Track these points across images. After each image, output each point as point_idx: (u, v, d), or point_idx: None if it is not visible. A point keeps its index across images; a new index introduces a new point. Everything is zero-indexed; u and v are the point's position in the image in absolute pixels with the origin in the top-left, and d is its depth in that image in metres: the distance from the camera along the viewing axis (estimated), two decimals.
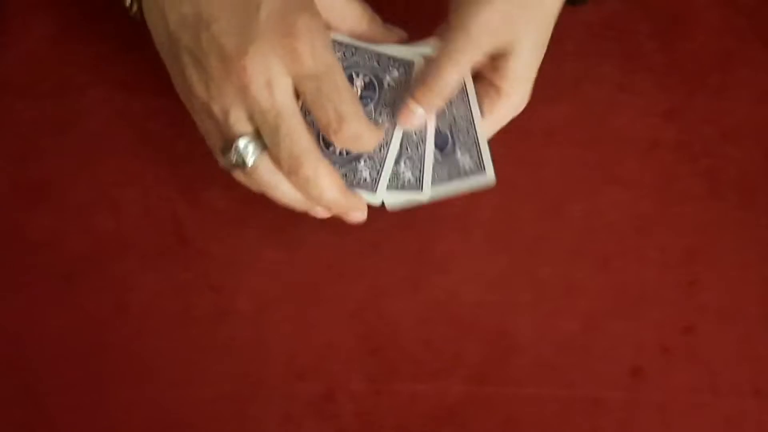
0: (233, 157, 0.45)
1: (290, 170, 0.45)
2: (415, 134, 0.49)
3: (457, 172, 0.49)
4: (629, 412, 0.51)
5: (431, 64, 0.47)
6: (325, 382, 0.51)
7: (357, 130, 0.45)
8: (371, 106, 0.49)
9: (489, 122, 0.50)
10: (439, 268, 0.53)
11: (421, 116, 0.48)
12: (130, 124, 0.56)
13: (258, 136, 0.45)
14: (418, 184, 0.49)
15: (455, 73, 0.47)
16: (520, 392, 0.51)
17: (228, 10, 0.44)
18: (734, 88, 0.57)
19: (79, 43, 0.57)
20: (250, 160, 0.45)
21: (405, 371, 0.51)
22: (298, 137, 0.44)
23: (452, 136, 0.49)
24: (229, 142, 0.45)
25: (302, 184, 0.46)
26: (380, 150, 0.49)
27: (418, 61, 0.48)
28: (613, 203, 0.54)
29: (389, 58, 0.49)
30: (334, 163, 0.47)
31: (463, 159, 0.49)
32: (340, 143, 0.46)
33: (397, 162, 0.49)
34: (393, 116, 0.48)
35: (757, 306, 0.53)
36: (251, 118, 0.45)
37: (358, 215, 0.49)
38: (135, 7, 0.48)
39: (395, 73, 0.49)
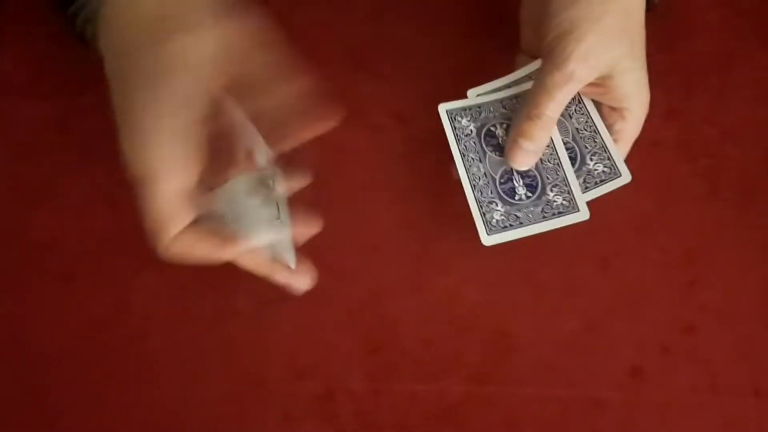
0: None
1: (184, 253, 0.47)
2: (549, 162, 0.50)
3: (594, 182, 0.50)
4: (629, 412, 0.51)
5: (531, 102, 0.48)
6: (325, 381, 0.51)
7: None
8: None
9: (621, 143, 0.50)
10: (439, 268, 0.53)
11: (531, 152, 0.49)
12: None
13: None
14: (573, 206, 0.50)
15: (554, 107, 0.48)
16: (520, 392, 0.51)
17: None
18: (734, 88, 0.57)
19: (78, 43, 0.57)
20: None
21: (405, 371, 0.51)
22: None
23: (540, 175, 0.50)
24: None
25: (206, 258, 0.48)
26: (556, 173, 0.50)
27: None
28: (613, 203, 0.54)
29: (510, 98, 0.51)
30: (527, 207, 0.49)
31: (557, 198, 0.50)
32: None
33: (543, 191, 0.50)
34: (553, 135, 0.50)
35: (757, 306, 0.53)
36: None
37: (299, 286, 0.50)
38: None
39: (464, 122, 0.51)
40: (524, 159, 0.49)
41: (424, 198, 0.54)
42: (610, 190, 0.50)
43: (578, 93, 0.50)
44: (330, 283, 0.53)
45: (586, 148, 0.50)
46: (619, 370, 0.51)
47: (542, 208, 0.49)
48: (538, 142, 0.49)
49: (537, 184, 0.50)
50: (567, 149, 0.50)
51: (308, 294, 0.53)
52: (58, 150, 0.55)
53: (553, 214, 0.49)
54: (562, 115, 0.50)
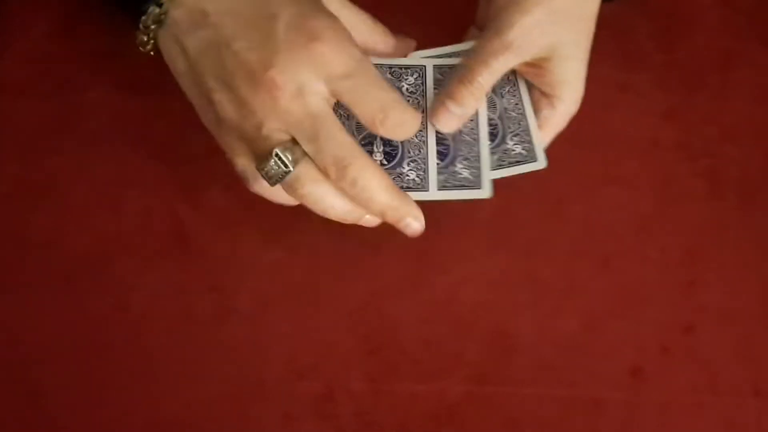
0: (272, 167, 0.44)
1: (337, 174, 0.44)
2: (468, 135, 0.49)
3: (507, 162, 0.49)
4: (629, 412, 0.51)
5: (465, 66, 0.47)
6: (325, 382, 0.51)
7: (402, 116, 0.45)
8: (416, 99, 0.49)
9: (545, 130, 0.50)
10: (439, 268, 0.53)
11: (456, 116, 0.48)
12: (130, 124, 0.56)
13: (296, 144, 0.44)
14: (477, 182, 0.49)
15: (488, 75, 0.47)
16: (520, 392, 0.51)
17: (246, 26, 0.43)
18: (734, 88, 0.57)
19: (79, 42, 0.57)
20: (291, 166, 0.44)
21: (405, 371, 0.51)
22: (340, 138, 0.44)
23: (454, 145, 0.49)
24: (265, 153, 0.44)
25: (350, 188, 0.44)
26: (419, 150, 0.48)
27: (429, 65, 0.49)
28: (613, 203, 0.54)
29: (401, 67, 0.49)
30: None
31: (463, 171, 0.49)
32: (386, 133, 0.45)
33: (453, 161, 0.49)
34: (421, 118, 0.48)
35: (757, 306, 0.53)
36: (287, 130, 0.44)
37: (415, 225, 0.47)
38: (149, 45, 0.48)
39: (411, 80, 0.49)
40: (449, 122, 0.48)
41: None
42: (522, 172, 0.49)
43: (514, 74, 0.50)
44: (330, 283, 0.53)
45: (510, 128, 0.50)
46: (619, 370, 0.51)
47: (445, 178, 0.48)
48: (465, 107, 0.47)
49: (448, 153, 0.49)
50: (491, 125, 0.49)
51: (308, 294, 0.53)
52: (58, 150, 0.55)
53: (454, 186, 0.48)
54: (494, 92, 0.50)
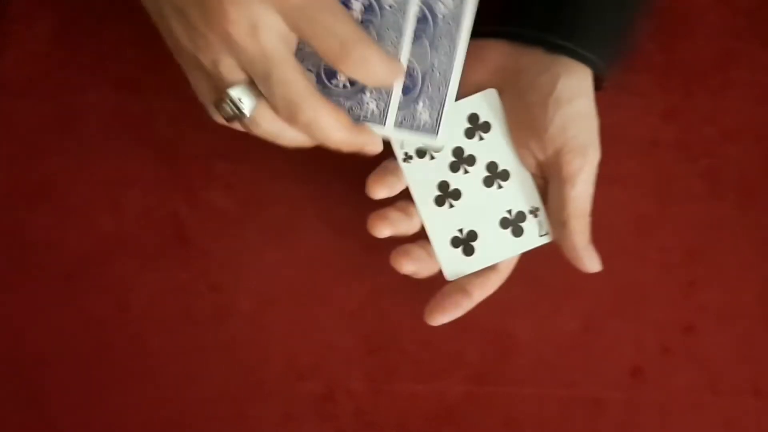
0: (228, 109, 0.43)
1: (289, 117, 0.43)
2: (440, 73, 0.46)
3: (411, 124, 0.47)
4: (629, 412, 0.51)
5: (569, 200, 0.48)
6: (325, 382, 0.51)
7: (364, 53, 0.42)
8: (372, 31, 0.45)
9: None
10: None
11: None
12: (130, 124, 0.55)
13: (252, 84, 0.43)
14: (434, 128, 0.46)
15: (591, 192, 0.48)
16: (520, 392, 0.51)
17: None
18: (734, 88, 0.57)
19: (79, 43, 0.57)
20: (246, 110, 0.43)
21: (405, 371, 0.51)
22: (292, 81, 0.42)
23: (423, 82, 0.47)
24: (221, 93, 0.43)
25: (303, 129, 0.44)
26: (438, 89, 0.46)
27: None
28: (613, 203, 0.54)
29: None
30: (338, 96, 0.45)
31: (423, 112, 0.47)
32: (348, 71, 0.42)
33: (416, 100, 0.46)
34: (397, 41, 0.45)
35: (756, 306, 0.53)
36: (242, 67, 0.43)
37: (371, 148, 0.46)
38: None
39: (449, 2, 0.46)
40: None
41: None
42: (417, 141, 0.47)
43: (457, 31, 0.46)
44: (330, 283, 0.53)
45: (427, 90, 0.47)
46: (619, 370, 0.51)
47: (404, 115, 0.46)
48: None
49: (413, 87, 0.46)
50: (410, 75, 0.46)
51: (308, 294, 0.53)
52: (58, 150, 0.55)
53: (411, 127, 0.46)
54: (430, 42, 0.46)
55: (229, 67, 0.42)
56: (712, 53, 0.57)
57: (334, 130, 0.44)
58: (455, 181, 0.48)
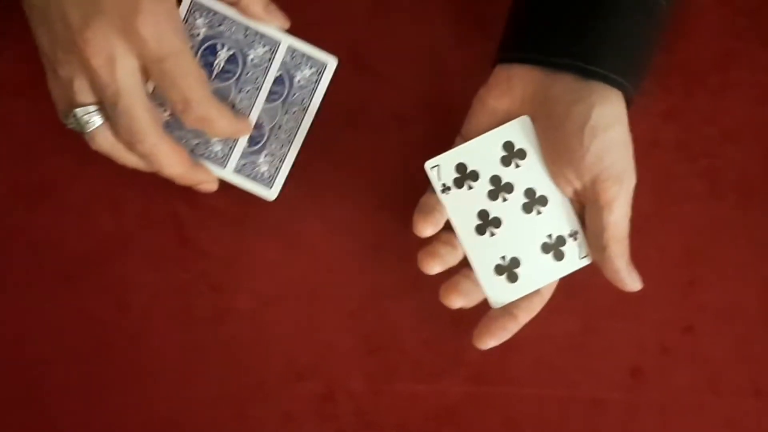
0: (72, 123, 0.46)
1: (128, 145, 0.46)
2: (285, 133, 0.49)
3: (249, 173, 0.50)
4: (629, 412, 0.51)
5: (608, 226, 0.48)
6: (325, 382, 0.51)
7: (205, 113, 0.45)
8: (232, 81, 0.48)
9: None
10: None
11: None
12: None
13: (100, 109, 0.46)
14: (270, 182, 0.49)
15: (628, 216, 0.48)
16: (520, 392, 0.51)
17: None
18: (734, 88, 0.56)
19: None
20: (87, 128, 0.46)
21: (405, 371, 0.51)
22: (136, 116, 0.45)
23: (268, 137, 0.49)
24: (70, 107, 0.46)
25: (141, 158, 0.47)
26: (281, 147, 0.49)
27: (285, 42, 0.48)
28: None
29: (256, 33, 0.48)
30: (188, 131, 0.48)
31: (263, 165, 0.50)
32: (188, 125, 0.46)
33: (259, 152, 0.49)
34: (253, 95, 0.48)
35: (756, 306, 0.53)
36: (94, 89, 0.45)
37: (206, 186, 0.50)
38: None
39: (260, 51, 0.48)
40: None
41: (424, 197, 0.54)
42: (252, 191, 0.50)
43: (311, 98, 0.49)
44: (330, 283, 0.53)
45: (271, 146, 0.50)
46: (619, 370, 0.51)
47: (245, 164, 0.49)
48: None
49: (260, 142, 0.49)
50: (257, 129, 0.49)
51: (308, 294, 0.53)
52: (58, 150, 0.55)
53: (249, 176, 0.50)
54: (283, 102, 0.49)
55: (81, 88, 0.45)
56: (712, 53, 0.57)
57: (171, 166, 0.47)
58: (494, 209, 0.48)
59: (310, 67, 0.49)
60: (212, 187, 0.50)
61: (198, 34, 0.48)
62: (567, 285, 0.53)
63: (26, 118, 0.55)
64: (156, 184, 0.54)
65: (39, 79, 0.57)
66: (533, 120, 0.48)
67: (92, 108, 0.46)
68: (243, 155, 0.49)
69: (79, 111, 0.46)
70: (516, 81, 0.48)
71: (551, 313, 0.52)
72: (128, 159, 0.48)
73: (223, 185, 0.54)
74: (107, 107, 0.45)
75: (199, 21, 0.48)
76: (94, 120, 0.46)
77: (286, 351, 0.52)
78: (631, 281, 0.48)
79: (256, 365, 0.51)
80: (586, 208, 0.48)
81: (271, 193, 0.50)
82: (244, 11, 0.48)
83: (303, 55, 0.49)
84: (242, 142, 0.49)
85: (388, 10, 0.57)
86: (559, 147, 0.47)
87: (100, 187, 0.54)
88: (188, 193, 0.54)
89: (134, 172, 0.54)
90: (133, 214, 0.54)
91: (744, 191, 0.55)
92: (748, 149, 0.55)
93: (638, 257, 0.53)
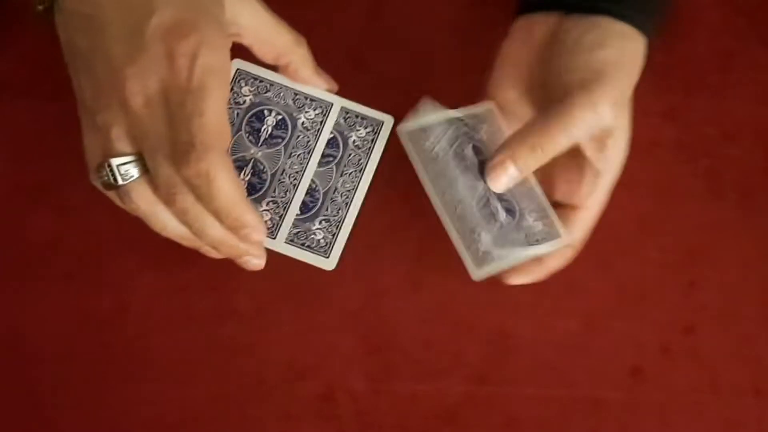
0: (104, 176, 0.43)
1: (167, 198, 0.42)
2: (341, 196, 0.48)
3: (303, 242, 0.48)
4: (629, 412, 0.51)
5: (534, 125, 0.46)
6: (325, 382, 0.51)
7: (205, 168, 0.40)
8: (281, 146, 0.47)
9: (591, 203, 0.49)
10: (439, 268, 0.53)
11: (514, 178, 0.46)
12: None
13: (138, 161, 0.42)
14: (327, 250, 0.48)
15: (564, 140, 0.45)
16: (520, 392, 0.51)
17: (123, 13, 0.41)
18: (734, 88, 0.57)
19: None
20: (121, 181, 0.42)
21: (405, 371, 0.51)
22: None
23: (323, 202, 0.48)
24: (105, 158, 0.43)
25: (181, 216, 0.43)
26: (285, 194, 0.47)
27: (338, 104, 0.47)
28: (613, 203, 0.54)
29: (306, 97, 0.47)
30: (508, 233, 0.46)
31: (318, 233, 0.48)
32: (184, 174, 0.41)
33: (313, 218, 0.47)
34: (304, 159, 0.47)
35: (757, 306, 0.53)
36: (133, 138, 0.42)
37: (255, 262, 0.46)
38: (41, 6, 0.45)
39: (311, 114, 0.47)
40: (507, 183, 0.47)
41: (424, 197, 0.54)
42: (549, 251, 0.48)
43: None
44: (330, 283, 0.53)
45: (327, 210, 0.48)
46: (619, 370, 0.51)
47: (525, 234, 0.47)
48: (527, 171, 0.46)
49: (514, 208, 0.47)
50: (311, 194, 0.47)
51: (308, 294, 0.53)
52: (58, 150, 0.55)
53: (536, 240, 0.47)
54: (338, 168, 0.47)
55: (119, 136, 0.42)
56: (712, 53, 0.57)
57: (213, 228, 0.43)
58: (460, 184, 0.48)
59: (365, 127, 0.48)
60: (260, 263, 0.46)
61: (244, 102, 0.47)
62: (567, 285, 0.53)
63: (26, 118, 0.55)
64: None
65: (39, 79, 0.57)
66: (542, 63, 0.48)
67: (130, 158, 0.42)
68: (295, 224, 0.47)
69: (114, 161, 0.42)
70: (536, 28, 0.49)
71: (551, 313, 0.52)
72: (165, 221, 0.44)
73: None
74: (148, 155, 0.42)
75: (245, 89, 0.47)
76: (131, 172, 0.42)
77: (286, 351, 0.52)
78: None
79: (256, 365, 0.51)
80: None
81: (328, 263, 0.48)
82: (293, 77, 0.47)
83: (357, 115, 0.48)
84: (293, 209, 0.47)
85: (388, 9, 0.57)
86: (555, 68, 0.47)
87: None
88: None
89: None
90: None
91: (744, 191, 0.55)
92: (748, 149, 0.55)
93: (639, 257, 0.54)
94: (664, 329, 0.52)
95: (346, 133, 0.48)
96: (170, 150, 0.41)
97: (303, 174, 0.47)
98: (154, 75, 0.41)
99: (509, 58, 0.50)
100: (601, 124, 0.46)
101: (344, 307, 0.52)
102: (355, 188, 0.48)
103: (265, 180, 0.47)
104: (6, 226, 0.54)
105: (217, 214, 0.43)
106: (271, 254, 0.53)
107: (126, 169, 0.42)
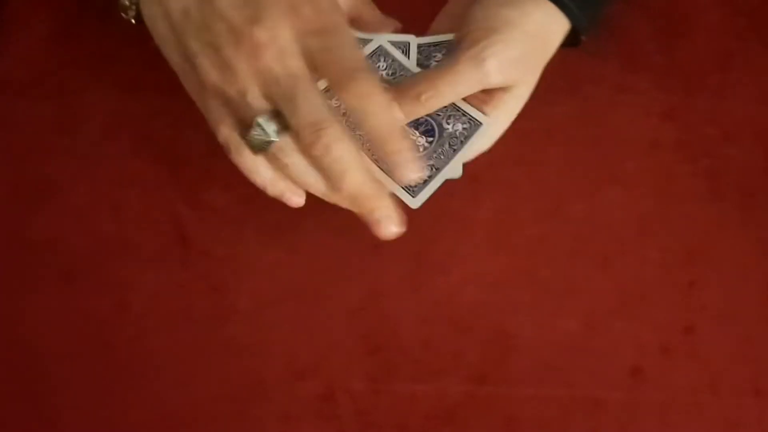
0: (255, 136, 0.44)
1: (311, 137, 0.43)
2: (448, 152, 0.49)
3: (460, 142, 0.49)
4: (629, 412, 0.51)
5: (425, 75, 0.47)
6: (325, 382, 0.51)
7: (370, 85, 0.43)
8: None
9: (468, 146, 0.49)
10: (439, 268, 0.53)
11: (399, 119, 0.47)
12: (130, 124, 0.56)
13: (278, 115, 0.44)
14: (475, 124, 0.48)
15: (450, 93, 0.47)
16: (520, 392, 0.51)
17: None
18: (734, 88, 0.57)
19: (79, 43, 0.57)
20: (273, 135, 0.44)
21: (405, 371, 0.51)
22: (317, 101, 0.43)
23: (433, 119, 0.49)
24: (248, 121, 0.44)
25: (324, 156, 0.43)
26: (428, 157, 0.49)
27: (413, 42, 0.49)
28: (613, 203, 0.54)
29: (427, 45, 0.49)
30: (433, 152, 0.47)
31: (456, 128, 0.49)
32: (349, 98, 0.43)
33: (442, 129, 0.49)
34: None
35: (757, 306, 0.53)
36: (268, 95, 0.44)
37: (390, 225, 0.46)
38: (132, 11, 0.47)
39: (439, 56, 0.49)
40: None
41: None
42: (478, 142, 0.49)
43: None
44: (330, 283, 0.53)
45: (439, 115, 0.49)
46: (619, 370, 0.51)
47: (449, 143, 0.48)
48: (411, 117, 0.48)
49: (432, 126, 0.48)
50: (421, 123, 0.48)
51: (308, 294, 0.53)
52: (58, 150, 0.55)
53: (461, 142, 0.48)
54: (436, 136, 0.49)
55: (256, 96, 0.43)
56: (712, 53, 0.57)
57: (356, 168, 0.44)
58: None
59: (440, 50, 0.49)
60: (395, 230, 0.46)
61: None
62: (567, 285, 0.53)
63: (26, 118, 0.55)
64: (156, 184, 0.54)
65: (39, 79, 0.57)
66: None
67: (271, 115, 0.44)
68: (439, 145, 0.49)
69: (261, 118, 0.43)
70: None
71: (551, 313, 0.52)
72: (305, 175, 0.45)
73: (221, 186, 0.54)
74: (286, 103, 0.43)
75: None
76: (276, 127, 0.44)
77: (286, 351, 0.52)
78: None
79: (256, 365, 0.51)
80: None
81: (414, 202, 0.48)
82: (365, 28, 0.49)
83: (434, 43, 0.50)
84: (431, 145, 0.49)
85: (388, 9, 0.57)
86: (468, 16, 0.48)
87: (100, 187, 0.54)
88: (188, 193, 0.54)
89: (134, 172, 0.55)
90: (133, 214, 0.54)
91: (744, 191, 0.55)
92: (748, 149, 0.55)
93: (639, 257, 0.54)
94: (664, 329, 0.52)
95: (425, 63, 0.50)
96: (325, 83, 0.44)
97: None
98: (281, 28, 0.43)
99: (447, 13, 0.51)
100: (485, 82, 0.47)
101: (344, 307, 0.52)
102: (467, 136, 0.49)
103: (426, 120, 0.49)
104: (6, 226, 0.54)
105: (377, 135, 0.44)
106: (270, 255, 0.53)
107: (271, 124, 0.44)
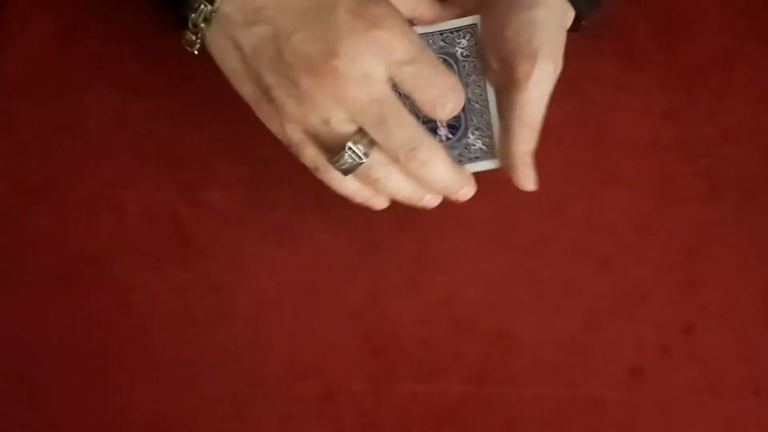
0: (347, 160, 0.45)
1: (407, 156, 0.45)
2: (477, 103, 0.49)
3: (468, 157, 0.49)
4: (629, 412, 0.51)
5: (517, 105, 0.47)
6: (325, 382, 0.51)
7: (462, 99, 0.45)
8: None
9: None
10: (439, 268, 0.53)
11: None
12: (130, 124, 0.55)
13: (365, 134, 0.45)
14: (492, 153, 0.49)
15: (543, 105, 0.48)
16: (520, 392, 0.51)
17: (303, 18, 0.44)
18: (734, 88, 0.57)
19: (79, 43, 0.57)
20: (364, 157, 0.45)
21: (405, 371, 0.51)
22: (407, 121, 0.44)
23: (465, 119, 0.49)
24: (337, 147, 0.45)
25: (419, 169, 0.45)
26: (482, 116, 0.49)
27: (478, 22, 0.49)
28: (613, 203, 0.54)
29: (451, 31, 0.49)
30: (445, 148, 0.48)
31: (475, 143, 0.49)
32: (446, 115, 0.45)
33: (464, 134, 0.49)
34: (479, 81, 0.49)
35: (757, 306, 0.53)
36: (353, 119, 0.44)
37: (470, 192, 0.48)
38: (197, 44, 0.47)
39: (464, 42, 0.49)
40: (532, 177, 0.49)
41: None
42: (479, 170, 0.49)
43: (481, 61, 0.50)
44: (330, 283, 0.53)
45: (472, 120, 0.49)
46: (619, 370, 0.51)
47: (459, 152, 0.49)
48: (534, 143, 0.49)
49: (460, 125, 0.49)
50: (453, 117, 0.48)
51: (308, 294, 0.53)
52: (58, 150, 0.55)
53: (470, 159, 0.49)
54: (462, 82, 0.49)
55: (341, 122, 0.44)
56: (712, 53, 0.57)
57: (445, 171, 0.46)
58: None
59: (463, 35, 0.49)
60: (473, 190, 0.48)
61: None
62: (567, 285, 0.53)
63: (26, 118, 0.55)
64: (156, 184, 0.54)
65: (39, 79, 0.57)
66: (484, 15, 0.49)
67: (359, 136, 0.44)
68: (453, 146, 0.49)
69: (351, 142, 0.44)
70: None
71: (551, 313, 0.52)
72: (400, 184, 0.47)
73: (221, 186, 0.54)
74: (375, 127, 0.44)
75: None
76: (365, 146, 0.45)
77: (286, 351, 0.52)
78: (524, 174, 0.48)
79: (256, 365, 0.51)
80: (502, 93, 0.49)
81: (498, 162, 0.49)
82: (425, 22, 0.49)
83: (451, 31, 0.49)
84: (496, 126, 0.49)
85: None
86: (492, 29, 0.48)
87: (100, 187, 0.54)
88: (188, 193, 0.54)
89: (134, 172, 0.55)
90: (133, 214, 0.54)
91: (744, 191, 0.55)
92: (748, 149, 0.55)
93: (639, 257, 0.54)
94: (664, 329, 0.52)
95: (451, 50, 0.50)
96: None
97: (486, 94, 0.49)
98: (359, 57, 0.43)
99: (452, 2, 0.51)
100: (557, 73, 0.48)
101: (344, 307, 0.52)
102: (485, 90, 0.49)
103: (459, 116, 0.49)
104: (6, 226, 0.54)
105: (440, 193, 0.47)
106: (270, 255, 0.53)
107: (360, 146, 0.45)
